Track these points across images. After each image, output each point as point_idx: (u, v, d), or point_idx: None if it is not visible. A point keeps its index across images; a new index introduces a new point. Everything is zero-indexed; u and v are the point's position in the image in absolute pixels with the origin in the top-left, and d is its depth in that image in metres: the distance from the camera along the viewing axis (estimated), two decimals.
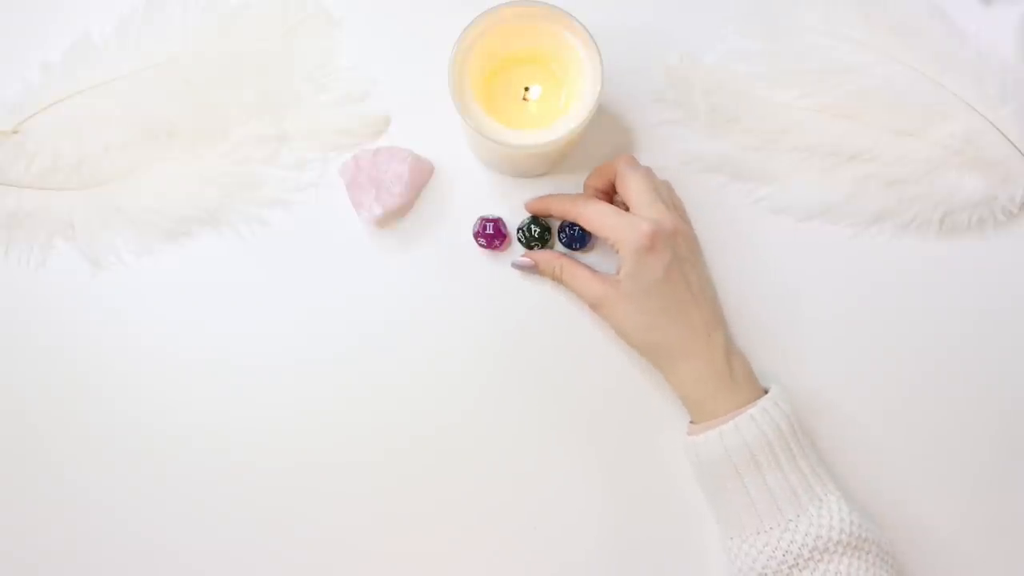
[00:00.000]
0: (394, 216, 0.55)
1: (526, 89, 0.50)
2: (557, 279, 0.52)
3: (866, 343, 0.54)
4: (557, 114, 0.50)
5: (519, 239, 0.54)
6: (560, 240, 0.54)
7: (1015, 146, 0.52)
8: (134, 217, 0.55)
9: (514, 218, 0.54)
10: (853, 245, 0.54)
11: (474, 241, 0.54)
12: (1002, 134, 0.52)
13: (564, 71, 0.50)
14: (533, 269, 0.53)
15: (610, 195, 0.53)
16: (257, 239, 0.55)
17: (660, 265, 0.48)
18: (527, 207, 0.54)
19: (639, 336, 0.50)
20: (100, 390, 0.55)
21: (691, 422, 0.51)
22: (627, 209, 0.50)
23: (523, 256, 0.53)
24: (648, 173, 0.51)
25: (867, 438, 0.53)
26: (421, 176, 0.55)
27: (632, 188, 0.49)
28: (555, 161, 0.54)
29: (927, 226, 0.54)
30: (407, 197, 0.54)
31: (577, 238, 0.53)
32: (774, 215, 0.54)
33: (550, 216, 0.54)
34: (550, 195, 0.53)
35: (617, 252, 0.49)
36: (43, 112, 0.54)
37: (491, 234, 0.53)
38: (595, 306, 0.50)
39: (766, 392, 0.50)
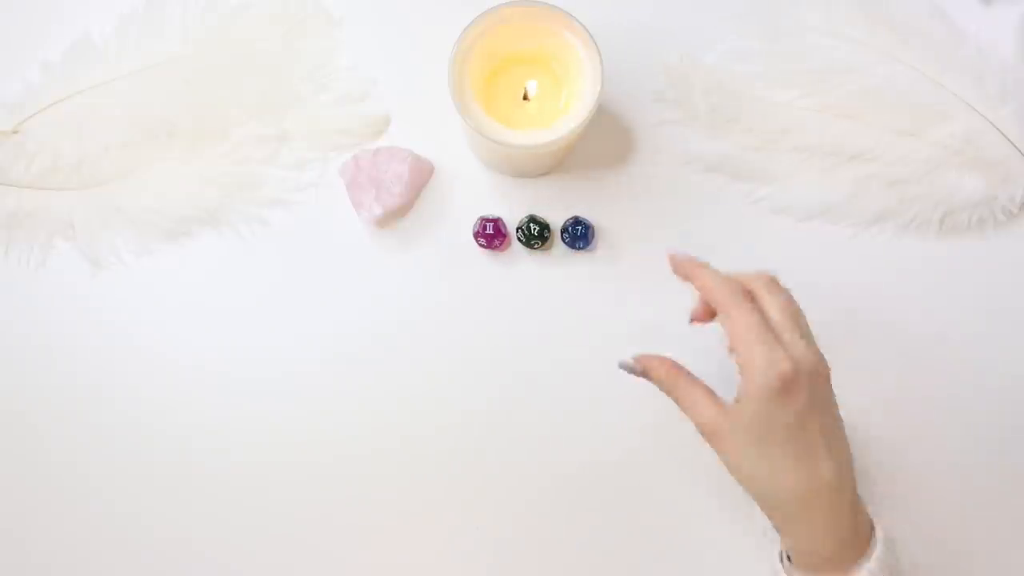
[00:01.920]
0: (394, 216, 0.55)
1: (526, 88, 0.50)
2: (667, 391, 0.45)
3: (865, 343, 0.54)
4: (557, 114, 0.50)
5: (519, 238, 0.54)
6: (563, 240, 0.54)
7: (1015, 146, 0.52)
8: (134, 217, 0.55)
9: (514, 218, 0.54)
10: (853, 245, 0.54)
11: (474, 241, 0.54)
12: (1002, 134, 0.52)
13: (564, 71, 0.50)
14: (642, 375, 0.46)
15: None
16: (257, 239, 0.55)
17: (792, 411, 0.41)
18: (671, 261, 0.46)
19: (756, 484, 0.43)
20: (100, 390, 0.55)
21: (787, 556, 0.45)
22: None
23: (633, 359, 0.46)
24: (790, 297, 0.44)
25: (866, 437, 0.53)
26: (421, 176, 0.55)
27: (773, 314, 0.43)
28: (555, 161, 0.54)
29: (927, 226, 0.54)
30: (407, 197, 0.54)
31: (580, 237, 0.53)
32: (774, 215, 0.54)
33: (692, 283, 0.46)
34: (699, 265, 0.45)
35: (740, 375, 0.42)
36: (43, 112, 0.54)
37: (491, 234, 0.53)
38: (707, 436, 0.43)
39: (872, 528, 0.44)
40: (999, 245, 0.54)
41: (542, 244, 0.54)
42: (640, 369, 0.46)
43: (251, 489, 0.54)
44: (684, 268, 0.45)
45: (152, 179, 0.55)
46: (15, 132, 0.55)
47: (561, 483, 0.54)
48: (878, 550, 0.42)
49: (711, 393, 0.44)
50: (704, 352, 0.54)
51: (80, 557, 0.54)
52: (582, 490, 0.54)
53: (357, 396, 0.54)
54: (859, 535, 0.43)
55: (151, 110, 0.54)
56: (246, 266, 0.55)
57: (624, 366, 0.47)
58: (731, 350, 0.42)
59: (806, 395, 0.41)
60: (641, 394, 0.54)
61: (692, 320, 0.46)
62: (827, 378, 0.44)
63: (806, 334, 0.43)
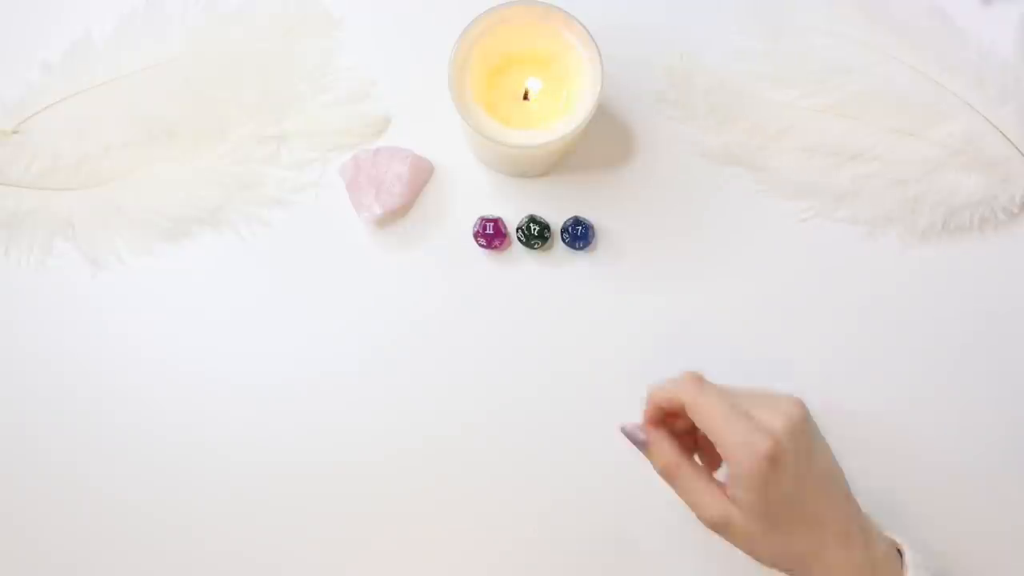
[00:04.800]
0: (394, 216, 0.55)
1: (526, 88, 0.50)
2: (667, 479, 0.44)
3: (866, 342, 0.54)
4: (557, 114, 0.50)
5: (519, 238, 0.54)
6: (563, 240, 0.54)
7: (1015, 146, 0.52)
8: (134, 217, 0.55)
9: (514, 218, 0.54)
10: (853, 244, 0.54)
11: (474, 241, 0.54)
12: (1002, 134, 0.52)
13: (564, 71, 0.50)
14: (642, 448, 0.44)
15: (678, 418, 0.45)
16: (257, 239, 0.55)
17: (786, 484, 0.40)
18: (647, 418, 0.44)
19: (771, 558, 0.42)
20: (100, 390, 0.55)
21: None
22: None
23: (638, 427, 0.44)
24: (721, 391, 0.42)
25: (868, 436, 0.53)
26: (421, 176, 0.55)
27: (717, 418, 0.41)
28: (555, 161, 0.54)
29: (928, 226, 0.54)
30: (407, 197, 0.54)
31: (580, 237, 0.53)
32: (774, 215, 0.54)
33: (664, 408, 0.44)
34: (651, 392, 0.44)
35: (727, 463, 0.41)
36: (43, 112, 0.54)
37: (491, 234, 0.53)
38: (714, 529, 0.42)
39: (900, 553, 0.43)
40: (999, 245, 0.54)
41: (542, 244, 0.54)
42: (643, 441, 0.44)
43: (250, 490, 0.54)
44: (650, 412, 0.44)
45: (152, 179, 0.55)
46: (15, 132, 0.55)
47: (562, 481, 0.54)
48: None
49: (713, 481, 0.42)
50: (701, 351, 0.54)
51: (78, 555, 0.54)
52: (582, 488, 0.54)
53: (357, 395, 0.54)
54: (879, 569, 0.42)
55: (151, 110, 0.54)
56: (246, 266, 0.55)
57: (626, 432, 0.45)
58: (713, 442, 0.41)
59: (792, 459, 0.40)
60: (644, 392, 0.54)
61: (646, 416, 0.44)
62: (803, 425, 0.42)
63: (763, 398, 0.42)
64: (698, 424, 0.42)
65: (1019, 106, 0.52)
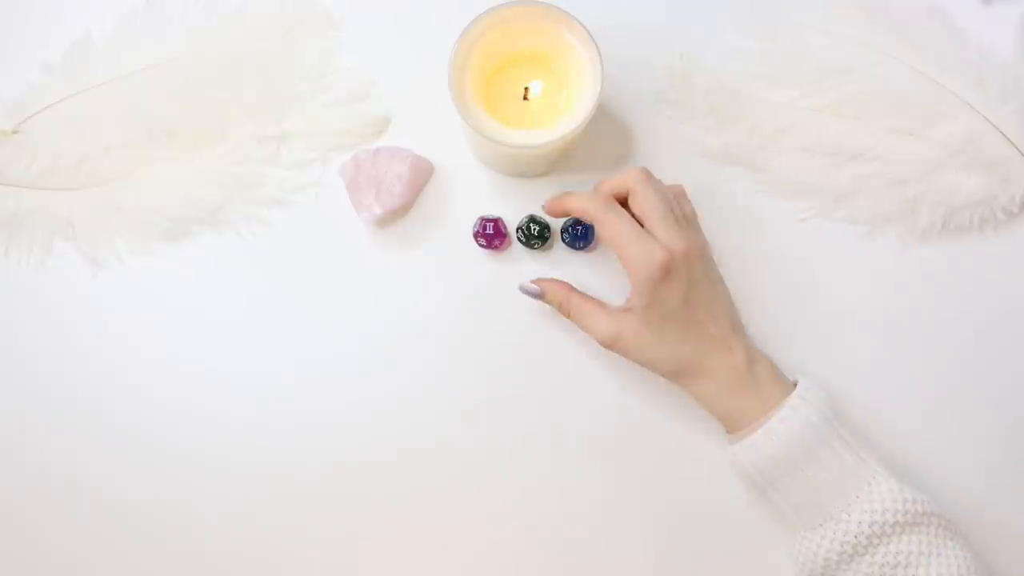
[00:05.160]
0: (394, 216, 0.55)
1: (526, 88, 0.50)
2: (564, 314, 0.51)
3: (865, 342, 0.54)
4: (557, 114, 0.50)
5: (519, 238, 0.54)
6: (563, 240, 0.54)
7: (1015, 146, 0.52)
8: (134, 217, 0.55)
9: (514, 218, 0.54)
10: (853, 244, 0.54)
11: (474, 241, 0.54)
12: (1002, 134, 0.52)
13: (564, 71, 0.50)
14: (540, 297, 0.51)
15: (623, 203, 0.51)
16: (257, 239, 0.55)
17: (675, 295, 0.47)
18: (545, 209, 0.51)
19: (659, 365, 0.48)
20: (100, 390, 0.55)
21: (728, 433, 0.50)
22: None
23: (531, 282, 0.51)
24: (661, 189, 0.48)
25: (867, 437, 0.53)
26: (421, 176, 0.55)
27: (645, 206, 0.47)
28: (555, 161, 0.54)
29: (928, 226, 0.54)
30: (407, 197, 0.54)
31: (580, 236, 0.53)
32: (774, 216, 0.54)
33: (568, 215, 0.51)
34: (567, 193, 0.50)
35: (628, 275, 0.47)
36: (43, 112, 0.54)
37: (491, 234, 0.53)
38: (609, 344, 0.49)
39: (795, 386, 0.49)
40: (999, 245, 0.54)
41: (542, 244, 0.54)
42: (538, 291, 0.51)
43: (250, 490, 0.54)
44: (555, 206, 0.50)
45: (152, 179, 0.55)
46: (15, 132, 0.55)
47: (563, 479, 0.54)
48: (792, 401, 0.47)
49: (603, 306, 0.49)
50: None
51: (78, 555, 0.54)
52: (584, 486, 0.54)
53: (357, 395, 0.54)
54: (761, 384, 0.48)
55: (151, 110, 0.54)
56: (246, 266, 0.55)
57: (524, 290, 0.51)
58: (616, 254, 0.47)
59: (685, 275, 0.47)
60: (642, 391, 0.54)
61: (544, 208, 0.51)
62: (701, 253, 0.49)
63: (679, 219, 0.48)
64: (604, 238, 0.47)
65: (1019, 106, 0.52)
